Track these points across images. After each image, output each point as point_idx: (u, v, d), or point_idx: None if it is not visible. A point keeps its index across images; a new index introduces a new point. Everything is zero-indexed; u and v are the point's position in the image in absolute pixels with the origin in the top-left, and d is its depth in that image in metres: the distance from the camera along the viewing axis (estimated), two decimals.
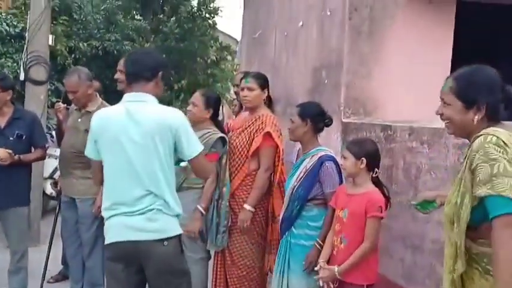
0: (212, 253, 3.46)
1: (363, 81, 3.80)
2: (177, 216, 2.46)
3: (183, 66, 14.04)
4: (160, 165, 2.34)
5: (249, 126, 3.35)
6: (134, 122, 2.32)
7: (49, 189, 6.47)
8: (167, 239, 2.35)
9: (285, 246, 3.02)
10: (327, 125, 3.08)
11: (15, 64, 5.66)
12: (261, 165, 3.29)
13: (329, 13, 4.12)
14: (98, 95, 3.87)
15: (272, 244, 3.37)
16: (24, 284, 3.70)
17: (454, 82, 1.80)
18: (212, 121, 3.45)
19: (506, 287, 1.57)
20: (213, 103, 3.44)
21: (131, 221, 2.32)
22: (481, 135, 1.70)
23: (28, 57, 5.44)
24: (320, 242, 2.85)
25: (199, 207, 3.26)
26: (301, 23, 4.80)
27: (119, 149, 2.32)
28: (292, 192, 2.98)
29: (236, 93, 4.43)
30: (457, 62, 2.95)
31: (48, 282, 4.08)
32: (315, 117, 3.00)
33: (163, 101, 4.10)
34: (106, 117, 2.44)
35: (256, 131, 3.30)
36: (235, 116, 5.77)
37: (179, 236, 2.45)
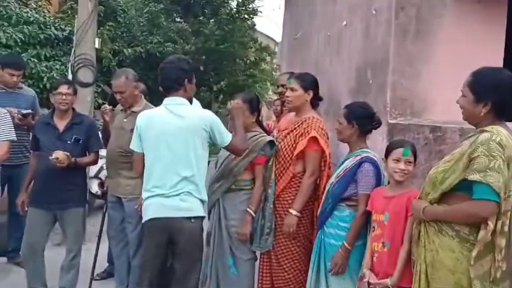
0: (257, 254, 3.46)
1: (411, 81, 3.71)
2: (203, 202, 2.92)
3: (223, 67, 14.13)
4: (194, 155, 2.83)
5: (294, 129, 3.32)
6: (176, 117, 2.84)
7: (95, 188, 6.63)
8: (194, 217, 2.84)
9: (318, 244, 3.01)
10: (375, 128, 3.02)
11: (63, 67, 5.84)
12: (306, 170, 3.26)
13: (374, 12, 4.05)
14: (142, 96, 3.95)
15: None
16: (74, 282, 3.80)
17: (471, 77, 2.14)
18: (257, 123, 3.46)
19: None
20: (256, 105, 3.45)
21: (167, 201, 2.79)
22: (488, 131, 2.05)
23: (76, 60, 5.61)
24: (347, 244, 2.81)
25: (249, 210, 3.28)
26: (345, 23, 4.73)
27: (162, 141, 2.82)
28: (328, 189, 2.98)
29: (280, 93, 4.42)
30: (509, 62, 2.84)
31: (94, 279, 4.17)
32: (362, 120, 2.94)
33: (202, 101, 4.15)
34: (150, 115, 2.96)
35: (301, 134, 3.27)
36: (276, 117, 5.79)
37: (202, 218, 2.92)
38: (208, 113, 3.00)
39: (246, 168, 3.31)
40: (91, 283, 4.00)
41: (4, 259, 4.53)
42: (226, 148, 3.03)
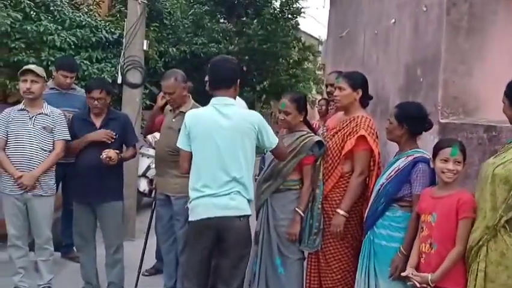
0: (306, 254, 3.45)
1: (463, 79, 3.59)
2: (250, 201, 2.94)
3: (265, 67, 14.16)
4: (243, 155, 2.85)
5: (343, 128, 3.28)
6: (224, 117, 2.85)
7: (143, 187, 6.80)
8: (243, 216, 2.87)
9: (368, 246, 2.94)
10: (426, 130, 2.94)
11: (113, 68, 6.00)
12: (354, 170, 3.22)
13: (424, 9, 3.95)
14: (190, 97, 4.01)
15: None
16: (121, 277, 3.92)
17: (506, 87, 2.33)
18: (304, 122, 3.45)
19: None
20: (304, 105, 3.44)
21: (217, 201, 2.82)
22: None
23: (125, 61, 5.76)
24: (404, 248, 2.74)
25: (298, 210, 3.27)
26: (393, 20, 4.64)
27: (210, 141, 2.83)
28: (379, 189, 2.91)
29: (329, 93, 4.39)
30: None
31: (142, 275, 4.27)
32: (413, 122, 2.87)
33: (245, 101, 4.17)
34: (198, 114, 2.97)
35: (349, 133, 3.23)
36: (320, 117, 5.75)
37: (249, 216, 2.93)
38: (256, 114, 3.02)
39: (294, 168, 3.30)
40: (138, 278, 4.10)
41: (59, 254, 4.70)
42: (272, 151, 3.05)
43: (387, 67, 4.81)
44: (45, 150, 3.77)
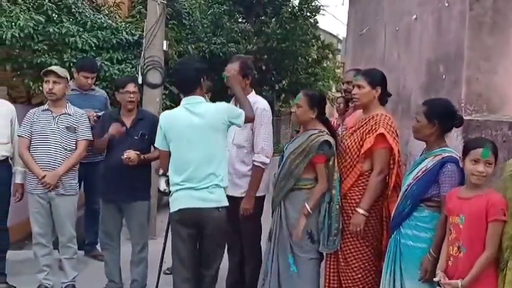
0: (324, 254, 3.43)
1: (487, 75, 3.51)
2: (225, 188, 3.17)
3: (284, 66, 14.12)
4: (218, 149, 3.12)
5: (361, 126, 3.26)
6: (196, 116, 3.08)
7: (163, 186, 6.83)
8: (221, 207, 3.11)
9: (394, 246, 2.89)
10: (457, 127, 2.88)
11: (133, 69, 6.06)
12: (374, 168, 3.19)
13: (446, 4, 3.88)
14: (206, 96, 4.04)
15: (386, 251, 3.24)
16: (144, 275, 3.96)
17: None
18: (319, 120, 3.43)
19: None
20: (317, 102, 3.42)
21: (197, 194, 3.04)
22: None
23: (145, 62, 5.81)
24: (433, 250, 2.68)
25: (306, 205, 3.27)
26: (414, 17, 4.57)
27: (186, 140, 3.06)
28: (406, 189, 2.85)
29: (346, 90, 4.36)
30: None
31: (164, 273, 4.29)
32: (444, 118, 2.79)
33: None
34: (172, 116, 3.19)
35: (368, 131, 3.20)
36: (339, 115, 5.71)
37: (227, 207, 3.16)
38: (222, 105, 3.26)
39: (306, 167, 3.29)
40: (159, 277, 4.13)
41: (82, 252, 4.77)
42: (245, 122, 3.28)
43: (409, 64, 4.75)
44: (68, 150, 3.83)
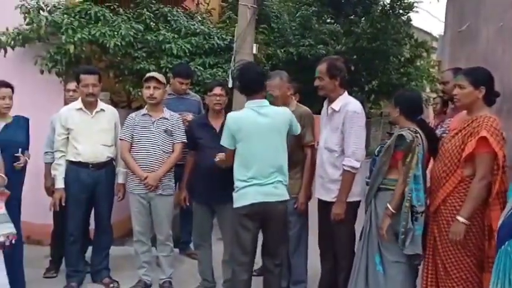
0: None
1: None
2: (286, 185, 3.41)
3: (375, 66, 13.70)
4: (281, 148, 3.36)
5: (463, 128, 3.06)
6: (263, 116, 3.29)
7: None
8: (284, 201, 3.37)
9: (504, 258, 2.63)
10: None
11: (224, 73, 6.20)
12: (476, 174, 2.97)
13: None
14: (293, 98, 4.04)
15: (489, 262, 3.01)
16: None
17: None
18: (410, 120, 3.33)
19: None
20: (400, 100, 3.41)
21: (263, 189, 3.27)
22: None
23: (235, 66, 5.92)
24: None
25: (388, 205, 3.20)
26: None
27: (255, 139, 3.27)
28: None
29: (443, 91, 4.16)
30: None
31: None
32: None
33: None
34: (240, 118, 3.35)
35: (470, 134, 2.99)
36: (436, 115, 5.43)
37: (288, 200, 3.44)
38: (286, 110, 3.50)
39: (391, 166, 3.25)
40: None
41: (177, 250, 4.97)
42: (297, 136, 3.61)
43: None
44: (166, 152, 4.01)
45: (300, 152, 3.90)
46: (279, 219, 3.38)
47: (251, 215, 3.31)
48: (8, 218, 3.39)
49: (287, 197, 3.40)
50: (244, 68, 3.53)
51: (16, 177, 3.71)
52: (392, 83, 14.00)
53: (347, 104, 3.54)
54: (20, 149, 3.79)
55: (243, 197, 3.31)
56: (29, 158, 3.89)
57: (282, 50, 9.56)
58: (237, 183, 3.36)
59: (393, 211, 3.18)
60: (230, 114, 3.41)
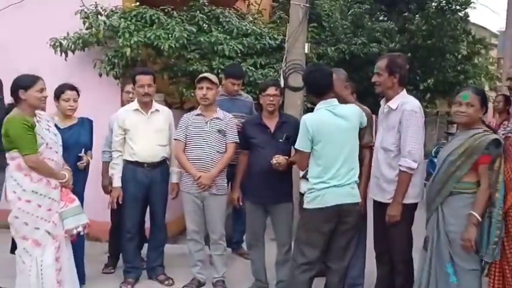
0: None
1: None
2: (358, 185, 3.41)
3: (430, 64, 13.27)
4: (356, 148, 3.37)
5: None
6: (340, 118, 3.30)
7: (303, 189, 6.88)
8: (358, 202, 3.39)
9: None
10: None
11: (276, 73, 6.18)
12: None
13: None
14: (351, 96, 3.95)
15: None
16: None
17: None
18: (480, 120, 3.17)
19: None
20: (486, 101, 3.16)
21: (341, 190, 3.27)
22: None
23: (287, 65, 5.90)
24: None
25: (474, 213, 3.00)
26: None
27: (334, 141, 3.27)
28: None
29: (509, 88, 3.95)
30: None
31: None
32: None
33: None
34: (320, 120, 3.32)
35: None
36: (498, 114, 5.18)
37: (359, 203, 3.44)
38: (356, 108, 3.49)
39: (469, 169, 3.04)
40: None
41: (229, 249, 5.01)
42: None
43: None
44: (219, 152, 4.05)
45: (359, 153, 3.78)
46: (354, 220, 3.37)
47: (327, 217, 3.28)
48: (82, 209, 3.59)
49: (359, 199, 3.40)
50: (313, 69, 3.55)
51: (79, 176, 3.89)
52: (449, 81, 13.52)
53: (405, 102, 3.43)
54: (83, 149, 3.98)
55: (319, 198, 3.28)
56: (91, 158, 4.08)
57: (333, 49, 9.43)
58: (313, 185, 3.31)
59: (480, 219, 3.00)
60: (307, 118, 3.37)
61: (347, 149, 3.30)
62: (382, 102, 3.65)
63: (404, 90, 3.56)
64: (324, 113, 3.33)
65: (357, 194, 3.35)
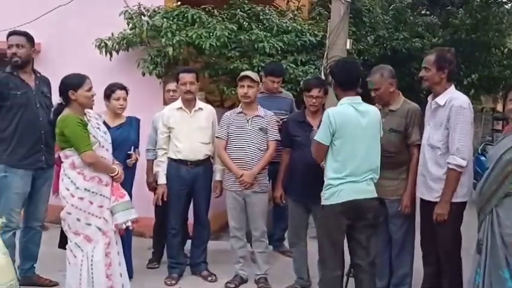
0: None
1: None
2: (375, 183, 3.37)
3: (474, 59, 12.85)
4: (376, 146, 3.32)
5: None
6: (362, 115, 3.27)
7: None
8: (376, 198, 3.34)
9: None
10: None
11: (316, 70, 6.13)
12: None
13: None
14: (400, 94, 3.85)
15: None
16: None
17: None
18: None
19: None
20: None
21: (358, 186, 3.24)
22: None
23: (328, 62, 5.84)
24: None
25: None
26: None
27: (355, 138, 3.23)
28: None
29: None
30: None
31: (346, 275, 4.25)
32: None
33: None
34: (344, 114, 3.27)
35: None
36: None
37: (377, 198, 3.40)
38: (377, 110, 3.45)
39: None
40: (347, 280, 4.10)
41: (271, 247, 5.01)
42: None
43: None
44: (261, 150, 4.07)
45: (406, 151, 3.67)
46: (374, 215, 3.34)
47: (346, 212, 3.24)
48: (131, 204, 3.66)
49: (376, 195, 3.35)
50: (341, 62, 3.51)
51: (128, 174, 3.97)
52: (494, 76, 13.05)
53: (453, 98, 3.34)
54: (132, 147, 4.08)
55: (337, 194, 3.24)
56: (139, 156, 4.17)
57: (375, 45, 9.27)
58: (330, 181, 3.27)
59: None
60: (331, 111, 3.30)
61: (369, 149, 3.27)
62: (429, 98, 3.56)
63: (453, 86, 3.47)
64: (349, 109, 3.29)
65: (373, 189, 3.32)
